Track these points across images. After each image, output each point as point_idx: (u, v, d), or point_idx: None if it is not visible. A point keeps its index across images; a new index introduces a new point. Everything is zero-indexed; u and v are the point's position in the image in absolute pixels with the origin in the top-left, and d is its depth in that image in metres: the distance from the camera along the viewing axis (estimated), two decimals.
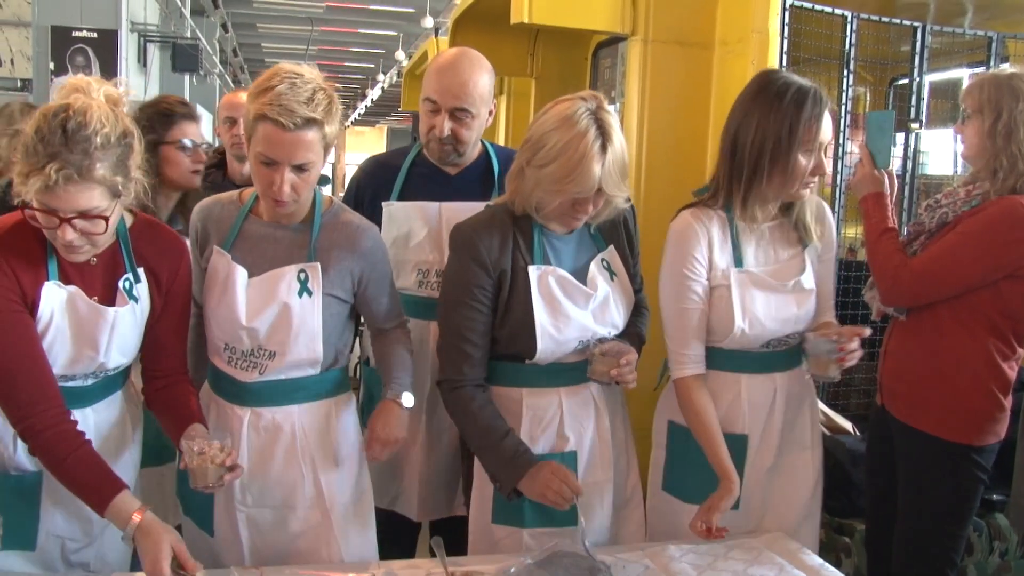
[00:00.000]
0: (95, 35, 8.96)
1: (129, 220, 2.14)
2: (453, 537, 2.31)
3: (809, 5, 3.72)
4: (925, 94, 4.15)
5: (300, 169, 2.07)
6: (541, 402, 2.27)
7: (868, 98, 5.03)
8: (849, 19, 3.85)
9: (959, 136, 2.65)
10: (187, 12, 13.39)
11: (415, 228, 2.62)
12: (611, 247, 2.32)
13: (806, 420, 2.49)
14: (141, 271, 2.13)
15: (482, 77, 2.59)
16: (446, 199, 2.63)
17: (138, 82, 10.64)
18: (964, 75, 4.34)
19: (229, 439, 2.06)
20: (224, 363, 2.23)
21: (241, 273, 2.17)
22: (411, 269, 2.63)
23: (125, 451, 2.23)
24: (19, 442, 2.05)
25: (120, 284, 2.10)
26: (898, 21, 4.04)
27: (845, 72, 3.86)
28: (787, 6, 3.59)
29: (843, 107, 3.86)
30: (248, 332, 2.17)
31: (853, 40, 3.86)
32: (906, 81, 4.22)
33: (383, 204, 2.64)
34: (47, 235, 1.97)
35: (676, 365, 2.33)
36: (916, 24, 4.09)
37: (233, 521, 2.23)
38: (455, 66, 2.57)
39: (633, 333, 2.38)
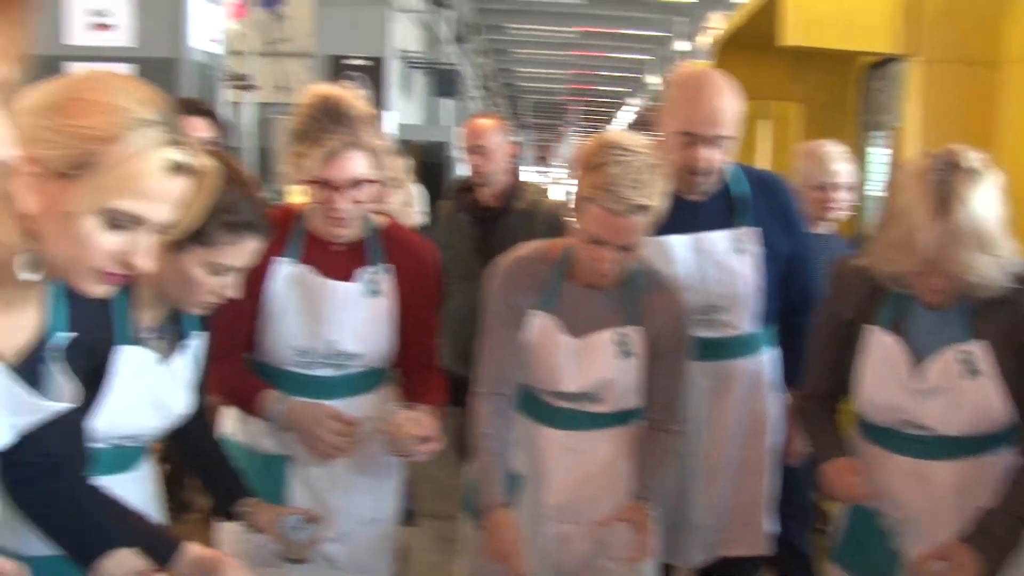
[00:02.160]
0: (366, 63, 9.53)
1: (383, 222, 2.29)
2: None
3: None
4: None
5: (626, 248, 2.10)
6: None
7: None
8: None
9: None
10: (449, 39, 13.99)
11: (661, 267, 2.45)
12: (984, 341, 1.97)
13: None
14: (385, 268, 2.25)
15: (736, 98, 2.49)
16: (695, 230, 2.51)
17: (402, 106, 11.20)
18: None
19: (422, 415, 2.11)
20: (548, 395, 2.29)
21: (564, 339, 2.22)
22: None
23: (380, 465, 2.30)
24: (262, 423, 2.23)
25: (363, 274, 2.22)
26: None
27: None
28: None
29: None
30: (571, 394, 2.23)
31: None
32: None
33: None
34: (320, 212, 2.16)
35: None
36: None
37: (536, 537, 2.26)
38: (710, 92, 2.46)
39: None
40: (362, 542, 2.29)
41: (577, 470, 2.25)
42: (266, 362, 2.26)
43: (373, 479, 2.33)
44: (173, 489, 2.27)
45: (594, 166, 2.05)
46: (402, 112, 11.18)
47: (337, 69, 9.57)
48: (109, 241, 1.31)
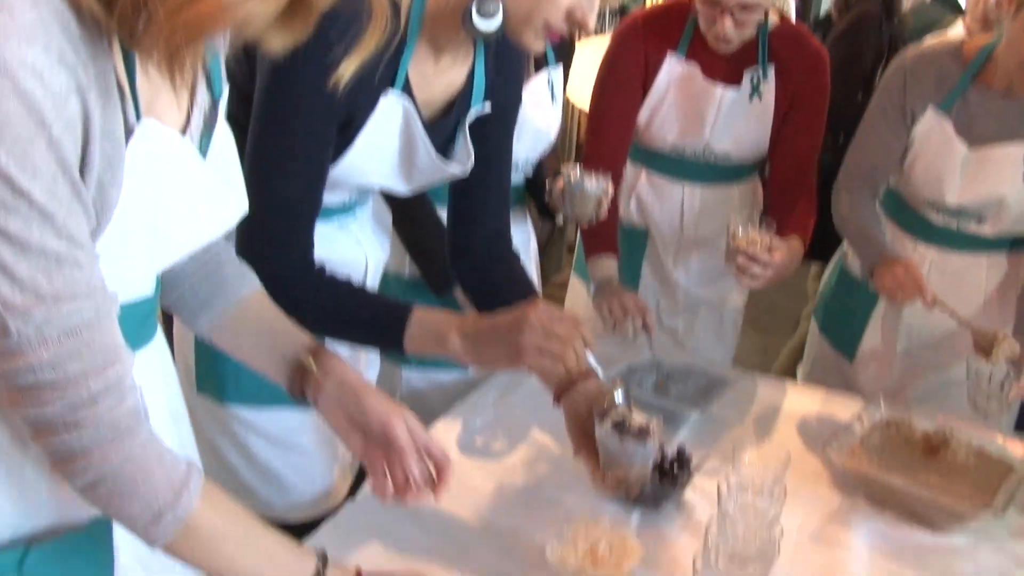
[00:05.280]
0: None
1: (775, 21, 2.21)
2: None
3: None
4: None
5: None
6: None
7: None
8: None
9: None
10: None
11: None
12: None
13: None
14: (771, 69, 2.19)
15: None
16: None
17: None
18: None
19: (775, 243, 2.00)
20: (926, 207, 2.16)
21: (959, 146, 2.04)
22: None
23: None
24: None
25: (746, 75, 2.20)
26: None
27: None
28: None
29: None
30: (953, 208, 2.08)
31: None
32: None
33: None
34: (701, 24, 2.15)
35: None
36: None
37: None
38: None
39: None
40: (708, 323, 2.42)
41: (946, 296, 2.05)
42: (641, 145, 2.34)
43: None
44: None
45: None
46: None
47: None
48: None
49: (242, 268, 1.30)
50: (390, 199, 2.05)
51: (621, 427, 1.45)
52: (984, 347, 1.88)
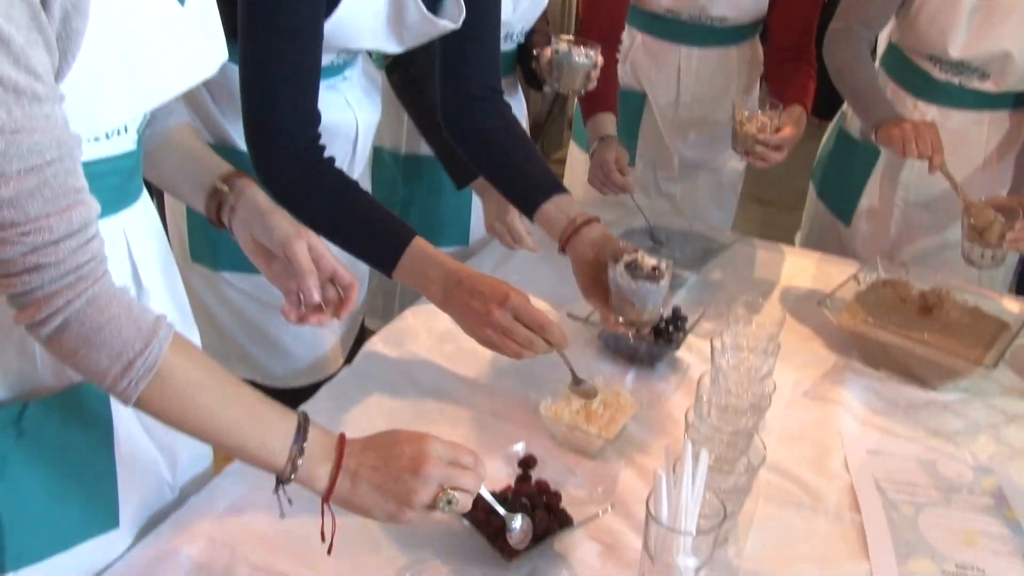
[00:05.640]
0: None
1: None
2: None
3: None
4: None
5: None
6: None
7: None
8: None
9: None
10: None
11: None
12: None
13: None
14: None
15: None
16: None
17: None
18: None
19: (778, 122, 1.98)
20: (927, 62, 2.11)
21: None
22: None
23: None
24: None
25: None
26: None
27: None
28: None
29: None
30: (957, 62, 2.03)
31: None
32: None
33: None
34: None
35: None
36: None
37: None
38: None
39: None
40: (707, 189, 2.48)
41: (945, 154, 2.00)
42: (636, 7, 2.28)
43: None
44: None
45: None
46: None
47: None
48: None
49: (172, 104, 1.27)
50: (414, 96, 2.01)
51: (633, 268, 1.45)
52: (980, 228, 1.85)
